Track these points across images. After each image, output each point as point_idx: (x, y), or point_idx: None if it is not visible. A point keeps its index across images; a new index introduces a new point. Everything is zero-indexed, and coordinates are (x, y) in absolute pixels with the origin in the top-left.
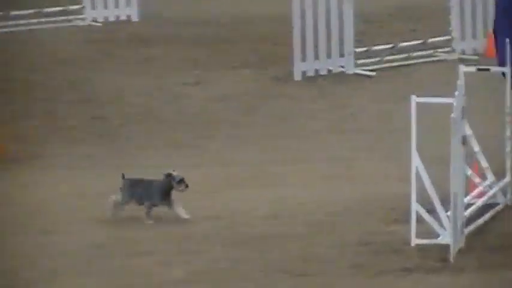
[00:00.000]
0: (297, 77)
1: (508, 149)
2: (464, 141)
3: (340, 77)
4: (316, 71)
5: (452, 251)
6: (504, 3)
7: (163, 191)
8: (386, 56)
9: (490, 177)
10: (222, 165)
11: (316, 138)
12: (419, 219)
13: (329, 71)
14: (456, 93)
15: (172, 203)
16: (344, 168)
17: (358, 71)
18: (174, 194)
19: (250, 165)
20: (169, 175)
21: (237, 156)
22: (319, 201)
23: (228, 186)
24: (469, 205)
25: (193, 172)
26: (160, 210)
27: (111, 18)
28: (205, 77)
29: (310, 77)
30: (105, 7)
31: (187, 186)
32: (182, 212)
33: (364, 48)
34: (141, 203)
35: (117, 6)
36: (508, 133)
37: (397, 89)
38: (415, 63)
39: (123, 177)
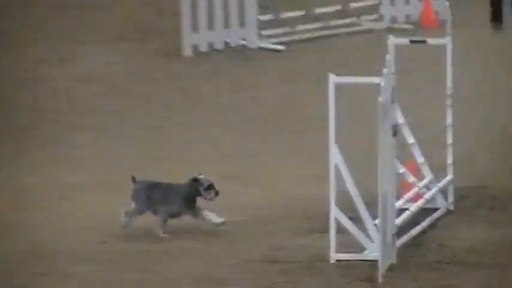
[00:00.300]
0: (187, 52)
1: (449, 140)
2: (395, 131)
3: (241, 52)
4: (211, 44)
5: (381, 269)
6: None
7: (188, 197)
8: (298, 25)
9: (428, 176)
10: (92, 165)
11: (207, 128)
12: (340, 229)
13: (226, 44)
14: (384, 70)
15: (198, 211)
16: (247, 167)
17: (263, 44)
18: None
19: (121, 165)
20: (195, 180)
21: (107, 154)
22: (216, 208)
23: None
24: (401, 210)
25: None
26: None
27: None
28: (70, 52)
29: (203, 52)
30: None
31: (217, 193)
32: (215, 217)
33: (271, 16)
34: (156, 212)
35: None
36: (449, 120)
37: (311, 66)
38: (333, 34)
39: (134, 180)
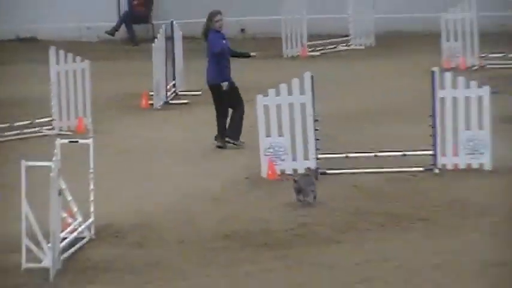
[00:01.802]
0: None
1: (92, 198)
2: (60, 192)
3: None
4: None
5: (52, 272)
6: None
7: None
8: (6, 132)
9: (79, 218)
10: None
11: None
12: (29, 249)
13: None
14: (54, 158)
15: None
16: None
17: None
18: None
19: None
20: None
21: None
22: None
23: None
24: (64, 238)
25: None
26: None
27: None
28: None
29: None
30: None
31: None
32: None
33: None
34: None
35: None
36: (91, 186)
37: (14, 156)
38: (27, 137)
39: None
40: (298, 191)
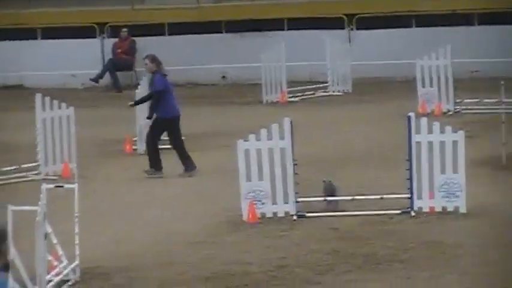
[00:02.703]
0: None
1: (77, 241)
2: (46, 236)
3: None
4: None
5: None
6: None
7: None
8: None
9: (65, 261)
10: None
11: None
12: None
13: None
14: (39, 202)
15: None
16: None
17: None
18: None
19: None
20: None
21: None
22: None
23: None
24: (49, 281)
25: None
26: None
27: None
28: None
29: None
30: None
31: None
32: None
33: None
34: None
35: None
36: (76, 229)
37: (0, 200)
38: (13, 182)
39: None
40: (330, 192)
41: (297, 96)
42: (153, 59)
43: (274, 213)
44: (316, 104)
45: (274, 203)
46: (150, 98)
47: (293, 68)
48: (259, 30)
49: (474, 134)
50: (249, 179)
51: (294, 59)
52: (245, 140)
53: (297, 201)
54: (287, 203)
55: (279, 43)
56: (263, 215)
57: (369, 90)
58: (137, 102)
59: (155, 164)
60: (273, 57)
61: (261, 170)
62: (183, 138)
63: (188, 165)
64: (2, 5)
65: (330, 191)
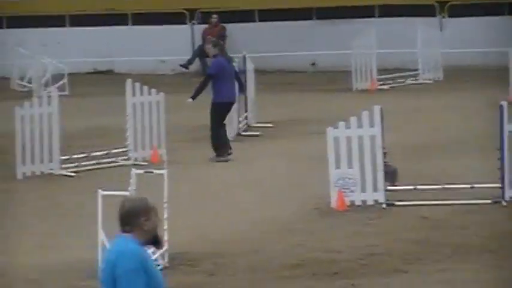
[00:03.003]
0: (19, 176)
1: (165, 227)
2: None
3: (50, 176)
4: (33, 172)
5: None
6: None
7: None
8: (83, 162)
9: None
10: None
11: (25, 218)
12: None
13: (42, 172)
14: (129, 188)
15: None
16: (48, 241)
17: (63, 172)
18: None
19: None
20: None
21: None
22: None
23: None
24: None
25: None
26: None
27: None
28: None
29: (28, 177)
30: None
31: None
32: None
33: (67, 157)
34: None
35: None
36: (165, 215)
37: (91, 185)
38: (103, 167)
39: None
40: (393, 174)
41: (387, 84)
42: (215, 44)
43: (363, 201)
44: (407, 92)
45: (363, 191)
46: (204, 84)
47: (384, 56)
48: (350, 17)
49: None
50: (338, 166)
51: (385, 46)
52: (335, 128)
53: (386, 190)
54: (376, 191)
55: (370, 30)
56: (352, 203)
57: (460, 78)
58: (195, 95)
59: (221, 149)
60: (364, 44)
61: (350, 157)
62: (270, 125)
63: (221, 152)
64: None
65: (393, 172)
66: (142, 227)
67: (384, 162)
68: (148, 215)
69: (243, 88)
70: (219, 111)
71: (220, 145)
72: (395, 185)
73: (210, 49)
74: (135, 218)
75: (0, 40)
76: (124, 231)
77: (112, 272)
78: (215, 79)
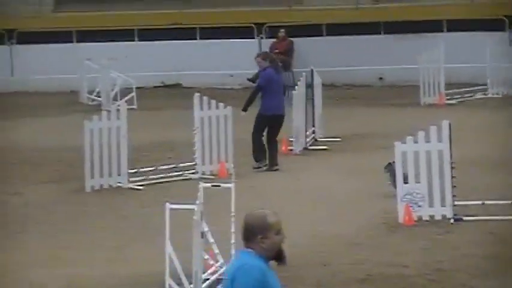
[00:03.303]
0: (88, 189)
1: (233, 240)
2: (203, 235)
3: (118, 189)
4: (101, 185)
5: None
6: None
7: None
8: (151, 175)
9: (221, 260)
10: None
11: (94, 231)
12: None
13: (110, 185)
14: (197, 201)
15: None
16: (116, 254)
17: (131, 185)
18: None
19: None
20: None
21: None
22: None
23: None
24: (205, 279)
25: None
26: None
27: None
28: (22, 189)
29: (97, 190)
30: None
31: None
32: None
33: (135, 170)
34: None
35: None
36: (232, 229)
37: (158, 198)
38: (171, 181)
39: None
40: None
41: (455, 99)
42: (265, 56)
43: (431, 216)
44: (475, 107)
45: (431, 205)
46: (253, 95)
47: (452, 70)
48: (418, 31)
49: None
50: (406, 181)
51: (453, 60)
52: (402, 142)
53: (454, 205)
54: (444, 206)
55: (438, 44)
56: (419, 218)
57: None
58: (245, 107)
59: (259, 157)
60: (432, 58)
61: (418, 172)
62: (338, 139)
63: (272, 164)
64: (161, 5)
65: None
66: (259, 244)
67: (389, 162)
68: (265, 232)
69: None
70: (262, 122)
71: (261, 154)
72: (406, 183)
73: (261, 62)
74: (252, 235)
75: (70, 54)
76: (246, 246)
77: (231, 286)
78: (263, 91)
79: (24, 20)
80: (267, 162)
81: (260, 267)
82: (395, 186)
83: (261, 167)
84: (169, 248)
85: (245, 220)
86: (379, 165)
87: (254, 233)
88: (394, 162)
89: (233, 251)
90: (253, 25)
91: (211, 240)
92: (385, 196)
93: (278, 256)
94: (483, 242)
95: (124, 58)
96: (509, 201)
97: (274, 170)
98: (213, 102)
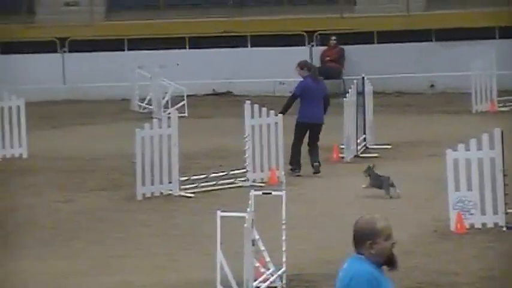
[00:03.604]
0: (139, 197)
1: (284, 248)
2: (254, 243)
3: (169, 197)
4: (152, 193)
5: None
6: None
7: None
8: (202, 183)
9: (271, 268)
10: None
11: (145, 239)
12: None
13: (161, 193)
14: (248, 209)
15: None
16: (167, 261)
17: (182, 193)
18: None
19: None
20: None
21: (91, 250)
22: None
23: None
24: (257, 287)
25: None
26: None
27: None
28: (74, 196)
29: (148, 197)
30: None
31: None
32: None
33: (186, 177)
34: None
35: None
36: (283, 236)
37: (209, 206)
38: (222, 188)
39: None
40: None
41: (507, 106)
42: (303, 65)
43: (483, 224)
44: None
45: (483, 213)
46: (289, 101)
47: (504, 77)
48: (470, 38)
49: None
50: (457, 188)
51: (506, 67)
52: (454, 150)
53: (506, 213)
54: (496, 214)
55: (490, 51)
56: (471, 226)
57: None
58: (282, 111)
59: (295, 164)
60: (484, 65)
61: (469, 180)
62: (388, 146)
63: (313, 161)
64: (212, 13)
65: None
66: (369, 250)
67: (369, 166)
68: (374, 238)
69: (325, 111)
70: (299, 129)
71: (294, 161)
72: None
73: (300, 71)
74: (361, 241)
75: (121, 62)
76: (357, 252)
77: None
78: (301, 99)
79: (76, 28)
80: (312, 165)
81: (371, 273)
82: (375, 187)
83: (297, 170)
84: (220, 256)
85: (355, 225)
86: (430, 173)
87: (363, 238)
88: (373, 165)
89: (284, 259)
90: (304, 33)
91: (262, 248)
92: (437, 204)
93: (389, 261)
94: None
95: (175, 66)
96: None
97: (316, 170)
98: (264, 110)
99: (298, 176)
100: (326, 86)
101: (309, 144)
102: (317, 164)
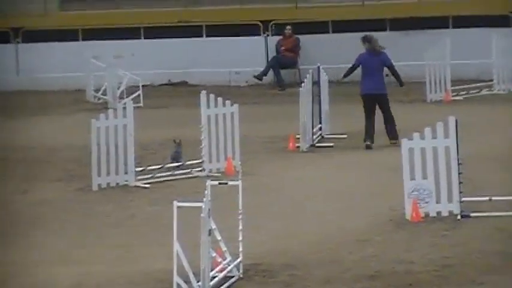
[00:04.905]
0: (95, 187)
1: (240, 238)
2: (210, 233)
3: (125, 187)
4: (108, 183)
5: None
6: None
7: None
8: (158, 173)
9: (228, 257)
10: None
11: (102, 230)
12: (180, 287)
13: (117, 184)
14: (204, 199)
15: None
16: (125, 252)
17: (138, 183)
18: None
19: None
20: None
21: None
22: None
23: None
24: (213, 277)
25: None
26: None
27: None
28: (30, 187)
29: (104, 188)
30: None
31: None
32: None
33: (142, 168)
34: None
35: None
36: (240, 226)
37: (166, 196)
38: (178, 179)
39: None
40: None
41: (461, 95)
42: (363, 40)
43: (438, 213)
44: (481, 103)
45: (438, 202)
46: (349, 71)
47: (458, 66)
48: (424, 28)
49: None
50: (412, 177)
51: (459, 57)
52: (409, 139)
53: (461, 201)
54: (451, 202)
55: (444, 41)
56: (426, 214)
57: None
58: (343, 76)
59: (365, 136)
60: (438, 55)
61: (425, 169)
62: (344, 136)
63: (393, 134)
64: (167, 3)
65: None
66: None
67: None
68: None
69: (399, 81)
70: (363, 102)
71: (365, 134)
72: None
73: (364, 44)
74: None
75: (76, 52)
76: None
77: None
78: (361, 72)
79: (30, 18)
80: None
81: None
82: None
83: (368, 144)
84: (177, 246)
85: None
86: (385, 162)
87: None
88: (180, 140)
89: (241, 248)
90: (259, 22)
91: (219, 237)
92: (392, 193)
93: None
94: (490, 238)
95: (130, 56)
96: None
97: (393, 143)
98: (220, 100)
99: (368, 147)
100: (387, 57)
101: (383, 118)
102: (394, 142)
